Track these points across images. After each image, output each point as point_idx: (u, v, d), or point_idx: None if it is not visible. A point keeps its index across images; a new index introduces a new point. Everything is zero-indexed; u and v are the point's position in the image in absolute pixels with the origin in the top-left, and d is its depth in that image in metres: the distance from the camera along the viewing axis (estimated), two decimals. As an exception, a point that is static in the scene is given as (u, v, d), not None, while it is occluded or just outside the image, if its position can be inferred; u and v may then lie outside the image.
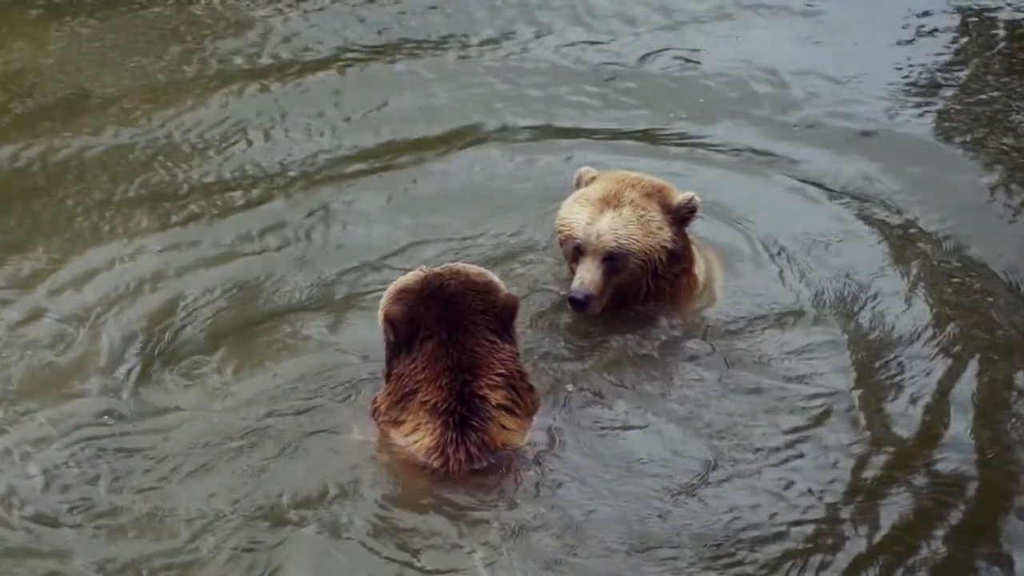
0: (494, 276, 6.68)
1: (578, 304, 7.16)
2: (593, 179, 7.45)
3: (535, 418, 6.61)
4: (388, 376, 6.57)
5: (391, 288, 6.64)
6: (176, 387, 6.96)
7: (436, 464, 6.33)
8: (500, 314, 6.50)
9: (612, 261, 7.20)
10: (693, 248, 7.55)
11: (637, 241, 7.19)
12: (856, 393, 6.96)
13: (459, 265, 6.69)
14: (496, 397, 6.41)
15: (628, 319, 7.40)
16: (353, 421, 6.67)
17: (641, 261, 7.23)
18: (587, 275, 7.17)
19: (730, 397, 6.93)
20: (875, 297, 7.65)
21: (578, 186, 7.49)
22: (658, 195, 7.30)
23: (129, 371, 7.04)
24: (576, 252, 7.27)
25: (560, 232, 7.36)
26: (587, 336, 7.32)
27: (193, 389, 6.95)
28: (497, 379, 6.42)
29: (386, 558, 6.02)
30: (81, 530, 6.09)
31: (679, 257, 7.36)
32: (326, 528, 6.12)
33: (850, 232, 8.29)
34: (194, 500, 6.23)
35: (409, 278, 6.61)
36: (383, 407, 6.55)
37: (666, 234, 7.24)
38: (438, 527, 6.15)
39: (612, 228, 7.18)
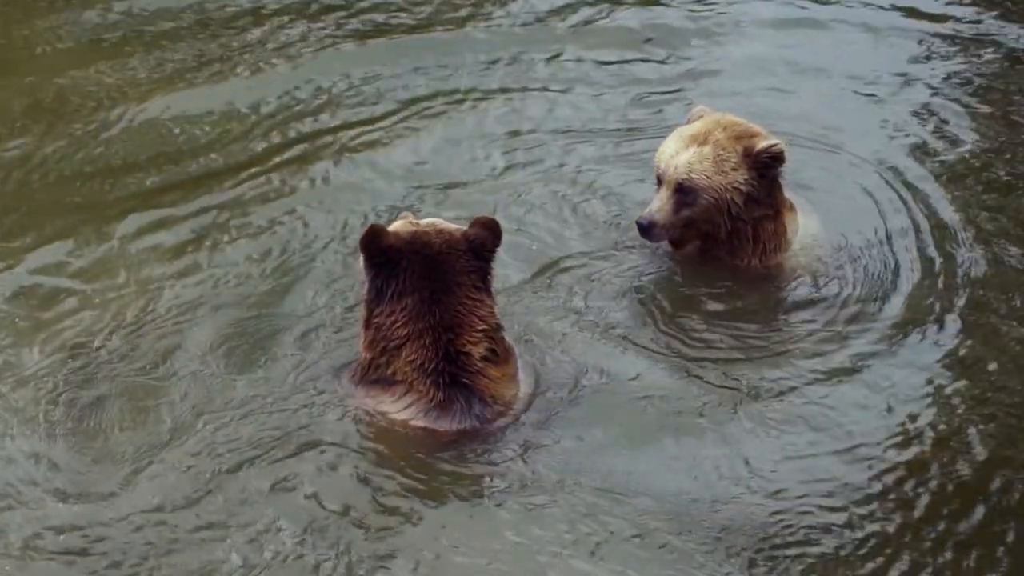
0: (464, 227, 6.73)
1: (641, 229, 7.47)
2: (699, 118, 7.69)
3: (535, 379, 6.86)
4: (367, 323, 6.69)
5: (378, 226, 6.69)
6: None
7: (433, 423, 6.54)
8: (487, 243, 6.63)
9: (682, 194, 7.45)
10: (787, 197, 7.70)
11: (708, 178, 7.41)
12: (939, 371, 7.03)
13: (442, 223, 6.80)
14: (479, 351, 6.62)
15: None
16: (335, 384, 6.83)
17: (711, 199, 7.44)
18: (656, 203, 7.49)
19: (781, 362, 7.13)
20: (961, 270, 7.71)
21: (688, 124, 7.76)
22: (746, 139, 7.48)
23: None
24: (657, 181, 7.59)
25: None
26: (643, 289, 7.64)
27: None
28: (478, 334, 6.63)
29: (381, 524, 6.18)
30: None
31: (759, 202, 7.53)
32: (314, 497, 6.25)
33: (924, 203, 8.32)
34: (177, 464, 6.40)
35: (399, 226, 6.73)
36: (367, 359, 6.68)
37: (740, 176, 7.42)
38: (430, 488, 6.33)
39: (688, 162, 7.43)
